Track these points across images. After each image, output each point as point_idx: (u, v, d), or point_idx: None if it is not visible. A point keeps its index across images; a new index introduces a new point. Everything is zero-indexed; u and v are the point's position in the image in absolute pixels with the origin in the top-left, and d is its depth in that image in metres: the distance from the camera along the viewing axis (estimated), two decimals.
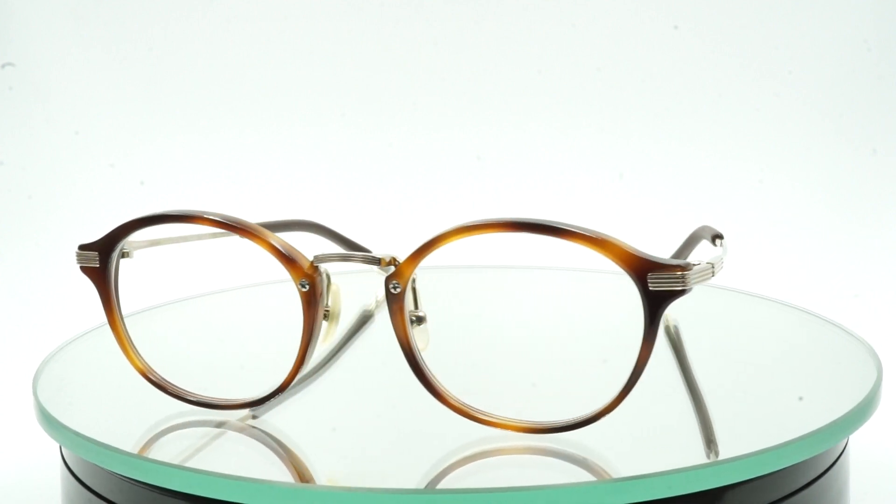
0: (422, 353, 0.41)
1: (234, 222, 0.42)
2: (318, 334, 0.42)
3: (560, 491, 0.36)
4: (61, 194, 0.79)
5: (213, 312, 0.57)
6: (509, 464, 0.40)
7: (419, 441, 0.42)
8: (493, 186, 0.81)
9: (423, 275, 0.43)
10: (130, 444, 0.41)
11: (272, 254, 0.41)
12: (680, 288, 0.38)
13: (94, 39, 0.81)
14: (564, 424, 0.40)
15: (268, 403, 0.43)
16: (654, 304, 0.39)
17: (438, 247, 0.39)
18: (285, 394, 0.42)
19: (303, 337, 0.42)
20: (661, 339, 0.52)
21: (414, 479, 0.38)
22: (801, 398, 0.44)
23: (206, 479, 0.38)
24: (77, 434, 0.41)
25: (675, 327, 0.51)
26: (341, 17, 0.83)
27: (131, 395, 0.46)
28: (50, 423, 0.42)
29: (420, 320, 0.43)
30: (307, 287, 0.41)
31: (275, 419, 0.44)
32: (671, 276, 0.38)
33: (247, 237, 0.42)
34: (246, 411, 0.43)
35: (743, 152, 0.81)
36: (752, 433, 0.41)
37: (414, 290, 0.43)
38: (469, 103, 0.82)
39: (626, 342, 0.41)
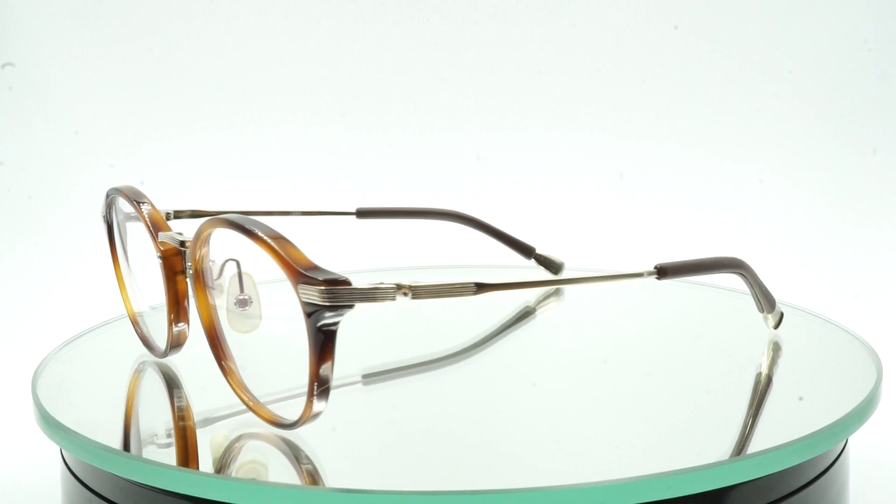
0: (225, 332, 0.43)
1: (136, 199, 0.46)
2: (178, 301, 0.45)
3: (561, 492, 0.36)
4: (61, 194, 0.79)
5: None
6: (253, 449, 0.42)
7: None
8: (493, 186, 0.81)
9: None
10: (130, 446, 0.41)
11: (145, 227, 0.46)
12: (325, 304, 0.37)
13: (94, 39, 0.81)
14: (282, 423, 0.41)
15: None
16: (309, 315, 0.37)
17: (201, 239, 0.42)
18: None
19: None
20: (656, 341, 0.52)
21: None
22: (801, 398, 0.44)
23: (206, 480, 0.38)
24: (77, 435, 0.41)
25: (769, 375, 0.50)
26: (341, 17, 0.83)
27: (132, 396, 0.46)
28: (49, 424, 0.42)
29: (244, 303, 0.44)
30: (161, 260, 0.45)
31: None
32: (315, 291, 0.37)
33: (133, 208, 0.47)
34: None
35: (743, 152, 0.81)
36: (752, 433, 0.41)
37: (240, 274, 0.45)
38: (469, 103, 0.82)
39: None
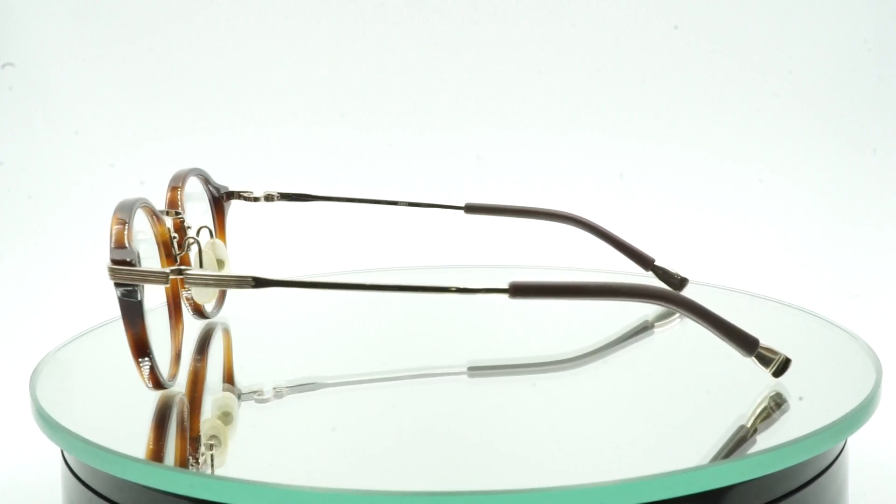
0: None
1: (172, 184, 0.50)
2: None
3: (562, 492, 0.36)
4: (61, 194, 0.79)
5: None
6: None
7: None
8: (493, 186, 0.81)
9: None
10: (131, 447, 0.41)
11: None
12: (113, 280, 0.41)
13: (94, 39, 0.81)
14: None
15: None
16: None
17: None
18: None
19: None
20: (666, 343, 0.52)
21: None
22: (801, 398, 0.44)
23: (206, 480, 0.38)
24: (77, 436, 0.41)
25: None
26: (341, 17, 0.83)
27: (131, 396, 0.46)
28: (49, 425, 0.42)
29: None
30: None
31: (280, 419, 0.44)
32: (108, 269, 0.41)
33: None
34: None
35: (743, 152, 0.81)
36: (752, 434, 0.41)
37: (200, 253, 0.49)
38: (469, 103, 0.82)
39: None
